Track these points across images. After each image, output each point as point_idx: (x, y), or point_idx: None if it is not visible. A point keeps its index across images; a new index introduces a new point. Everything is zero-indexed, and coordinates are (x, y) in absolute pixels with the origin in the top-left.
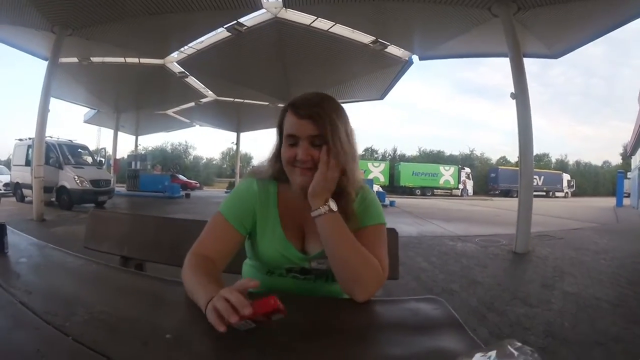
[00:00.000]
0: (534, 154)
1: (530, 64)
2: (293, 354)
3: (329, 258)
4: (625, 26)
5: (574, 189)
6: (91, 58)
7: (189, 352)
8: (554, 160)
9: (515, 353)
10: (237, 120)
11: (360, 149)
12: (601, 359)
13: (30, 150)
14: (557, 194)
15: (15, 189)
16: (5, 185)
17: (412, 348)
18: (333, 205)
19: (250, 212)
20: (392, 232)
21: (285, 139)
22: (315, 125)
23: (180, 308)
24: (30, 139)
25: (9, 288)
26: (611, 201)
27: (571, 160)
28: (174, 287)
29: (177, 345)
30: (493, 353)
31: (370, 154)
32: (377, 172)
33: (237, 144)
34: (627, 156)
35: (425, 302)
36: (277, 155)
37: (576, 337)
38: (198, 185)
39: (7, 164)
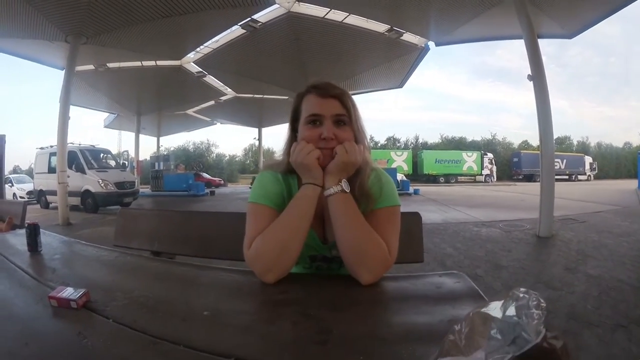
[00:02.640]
0: (555, 137)
1: (547, 45)
2: (323, 323)
3: (337, 238)
4: (638, 2)
5: (596, 171)
6: (107, 64)
7: (226, 325)
8: (575, 142)
9: (521, 295)
10: (259, 115)
11: (382, 138)
12: (623, 342)
13: (52, 157)
14: (580, 177)
15: (39, 196)
16: (29, 193)
17: (435, 316)
18: (346, 186)
19: (280, 197)
20: (415, 216)
21: (306, 120)
22: (341, 104)
23: (215, 290)
24: (51, 146)
25: (46, 282)
26: (633, 183)
27: (592, 142)
28: (207, 272)
29: (215, 320)
30: (502, 300)
31: (392, 142)
32: (400, 160)
33: (260, 139)
34: None
35: (447, 276)
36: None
37: (598, 320)
38: (222, 182)
39: (29, 172)
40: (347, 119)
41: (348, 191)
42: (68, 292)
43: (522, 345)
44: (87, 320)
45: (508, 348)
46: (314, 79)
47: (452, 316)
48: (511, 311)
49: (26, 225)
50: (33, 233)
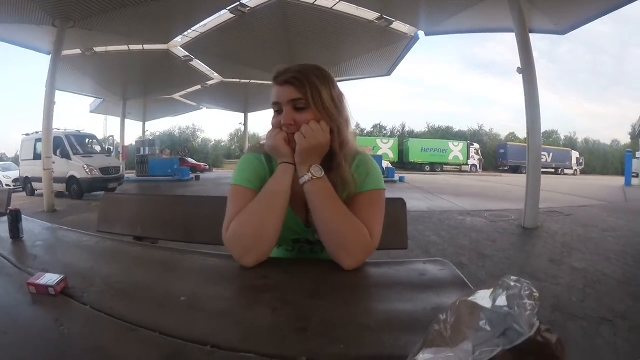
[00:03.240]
0: (543, 130)
1: (539, 40)
2: (303, 310)
3: (316, 224)
4: (634, 3)
5: (582, 166)
6: (94, 48)
7: (203, 310)
8: (562, 137)
9: (512, 284)
10: (245, 101)
11: (368, 126)
12: (608, 335)
13: (37, 144)
14: (566, 171)
15: (25, 184)
16: (15, 180)
17: (419, 304)
18: (317, 172)
19: (262, 180)
20: (400, 202)
21: (273, 109)
22: (295, 89)
23: (194, 275)
24: (37, 132)
25: (26, 269)
26: (620, 180)
27: (580, 137)
28: (188, 256)
29: (192, 306)
30: (492, 289)
31: (379, 130)
32: (386, 148)
33: (245, 124)
34: (635, 136)
35: (432, 263)
36: None
37: (583, 313)
38: (207, 167)
39: (15, 160)
40: (305, 102)
41: (321, 176)
42: (47, 279)
43: (513, 339)
44: (64, 306)
45: (498, 340)
46: (277, 66)
47: (436, 304)
48: (502, 301)
49: (8, 211)
50: (15, 220)
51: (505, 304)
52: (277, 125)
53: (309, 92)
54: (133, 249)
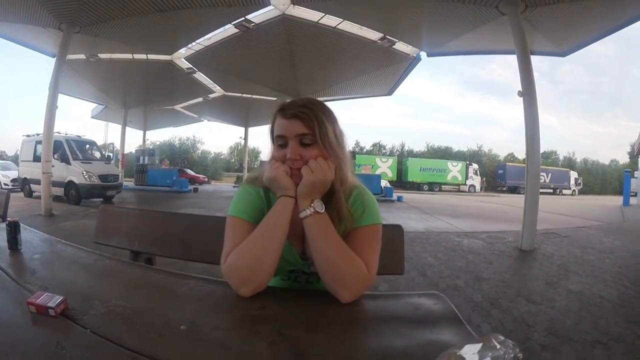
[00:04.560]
0: (542, 151)
1: (540, 61)
2: (299, 344)
3: (314, 258)
4: (634, 24)
5: (581, 186)
6: (99, 54)
7: (203, 341)
8: (561, 157)
9: (498, 346)
10: (245, 115)
11: (368, 144)
12: (602, 358)
13: (37, 146)
14: (565, 191)
15: (23, 185)
16: (13, 180)
17: (413, 340)
18: (319, 207)
19: (260, 212)
20: (398, 229)
21: (275, 142)
22: (304, 124)
23: (192, 301)
24: (37, 134)
25: (25, 284)
26: (618, 200)
27: (579, 157)
28: (186, 281)
29: (192, 335)
30: (479, 345)
31: (378, 149)
32: (385, 167)
33: (245, 138)
34: (634, 155)
35: (427, 297)
36: None
37: (578, 336)
38: (206, 179)
39: (15, 159)
40: (312, 137)
41: (322, 211)
42: (46, 299)
43: None
44: (65, 329)
45: None
46: (281, 102)
47: (429, 341)
48: None
49: (7, 222)
50: (13, 230)
51: None
52: (280, 159)
53: (316, 128)
54: (131, 269)
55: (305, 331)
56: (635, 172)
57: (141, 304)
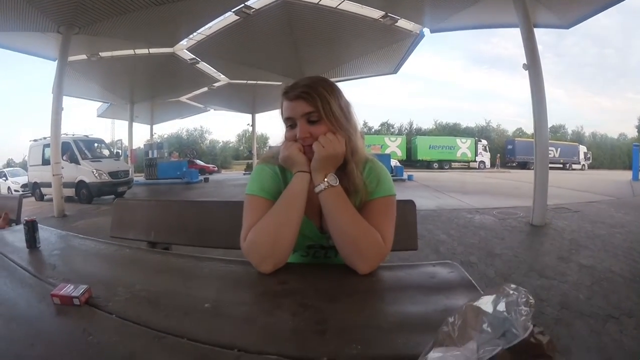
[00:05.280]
0: (550, 125)
1: (544, 34)
2: (321, 314)
3: (330, 231)
4: None
5: (590, 161)
6: (100, 53)
7: (228, 317)
8: (570, 131)
9: (511, 292)
10: (252, 101)
11: (376, 124)
12: (614, 333)
13: (45, 149)
14: (574, 166)
15: (34, 189)
16: (23, 186)
17: (430, 306)
18: (333, 180)
19: (277, 190)
20: (410, 204)
21: (286, 124)
22: (307, 103)
23: (214, 280)
24: (45, 138)
25: (46, 279)
26: (627, 174)
27: (587, 132)
28: (206, 263)
29: (217, 312)
30: (494, 295)
31: (386, 128)
32: (394, 146)
33: (253, 125)
34: None
35: (441, 266)
36: None
37: (590, 310)
38: (216, 168)
39: (23, 166)
40: (318, 114)
41: (336, 184)
42: (70, 289)
43: (511, 339)
44: (91, 316)
45: (498, 341)
46: (285, 85)
47: (445, 306)
48: (501, 307)
49: (24, 221)
50: (31, 229)
51: (504, 309)
52: (291, 139)
53: (319, 105)
54: (151, 256)
55: (326, 302)
56: None
57: (164, 287)
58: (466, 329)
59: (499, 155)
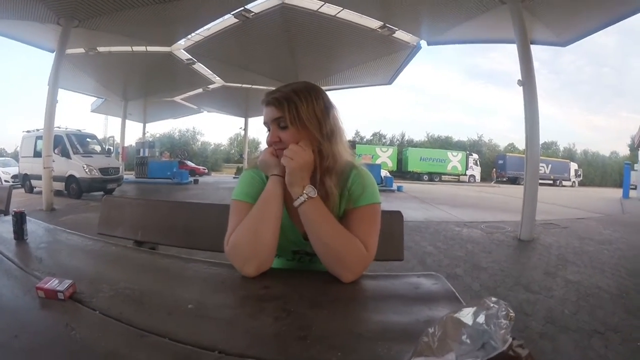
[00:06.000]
0: (542, 141)
1: (541, 51)
2: (303, 319)
3: (312, 242)
4: (636, 15)
5: (581, 178)
6: (98, 48)
7: (211, 319)
8: (562, 148)
9: (492, 305)
10: (245, 105)
11: (368, 134)
12: (599, 348)
13: (38, 141)
14: (564, 182)
15: (24, 180)
16: (14, 177)
17: (412, 316)
18: (311, 192)
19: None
20: (397, 214)
21: (266, 129)
22: (276, 108)
23: (198, 282)
24: (37, 130)
25: (32, 272)
26: (618, 192)
27: (579, 149)
28: (191, 264)
29: (200, 314)
30: (474, 308)
31: (378, 138)
32: (385, 157)
33: (245, 129)
34: (634, 147)
35: (425, 277)
36: None
37: (576, 325)
38: (206, 171)
39: (14, 156)
40: (285, 120)
41: (314, 196)
42: (55, 283)
43: (489, 352)
44: (74, 311)
45: (477, 352)
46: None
47: (427, 317)
48: (481, 319)
49: (12, 212)
50: (19, 221)
51: (484, 321)
52: (269, 144)
53: (286, 111)
54: (137, 255)
55: (309, 308)
56: (635, 165)
57: (149, 286)
58: (446, 340)
59: (494, 169)
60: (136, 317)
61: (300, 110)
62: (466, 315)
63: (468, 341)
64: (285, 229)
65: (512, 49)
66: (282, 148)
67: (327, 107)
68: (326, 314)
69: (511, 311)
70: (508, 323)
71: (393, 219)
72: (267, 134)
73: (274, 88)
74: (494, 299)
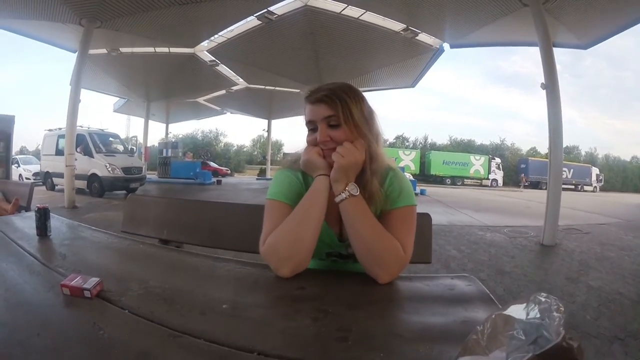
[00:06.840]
0: (564, 146)
1: (562, 54)
2: (342, 321)
3: (351, 240)
4: None
5: (602, 183)
6: (120, 49)
7: (247, 319)
8: (583, 153)
9: (543, 299)
10: (269, 107)
11: (391, 137)
12: (619, 354)
13: (60, 140)
14: (586, 187)
15: (45, 178)
16: (35, 174)
17: (449, 317)
18: (354, 190)
19: (298, 195)
20: (426, 217)
21: (307, 127)
22: (328, 106)
23: (231, 281)
24: (60, 129)
25: (56, 268)
26: (638, 198)
27: (600, 153)
28: (222, 263)
29: (235, 314)
30: (524, 304)
31: (401, 142)
32: (407, 160)
33: (269, 130)
34: None
35: (459, 279)
36: None
37: (597, 331)
38: (229, 172)
39: (35, 154)
40: (338, 118)
41: (357, 194)
42: (81, 281)
43: (543, 345)
44: (102, 310)
45: (529, 347)
46: (308, 89)
47: (464, 317)
48: (535, 313)
49: (36, 208)
50: (43, 217)
51: (538, 315)
52: (312, 143)
53: (340, 110)
54: (165, 253)
55: (346, 309)
56: None
57: (179, 285)
58: (496, 336)
59: (522, 175)
60: (168, 316)
61: (352, 110)
62: (517, 311)
63: (521, 336)
64: (321, 230)
65: (533, 52)
66: (331, 148)
67: (370, 110)
68: (364, 315)
69: (561, 305)
70: (560, 316)
71: (422, 221)
72: (309, 132)
73: (298, 90)
74: (544, 294)
